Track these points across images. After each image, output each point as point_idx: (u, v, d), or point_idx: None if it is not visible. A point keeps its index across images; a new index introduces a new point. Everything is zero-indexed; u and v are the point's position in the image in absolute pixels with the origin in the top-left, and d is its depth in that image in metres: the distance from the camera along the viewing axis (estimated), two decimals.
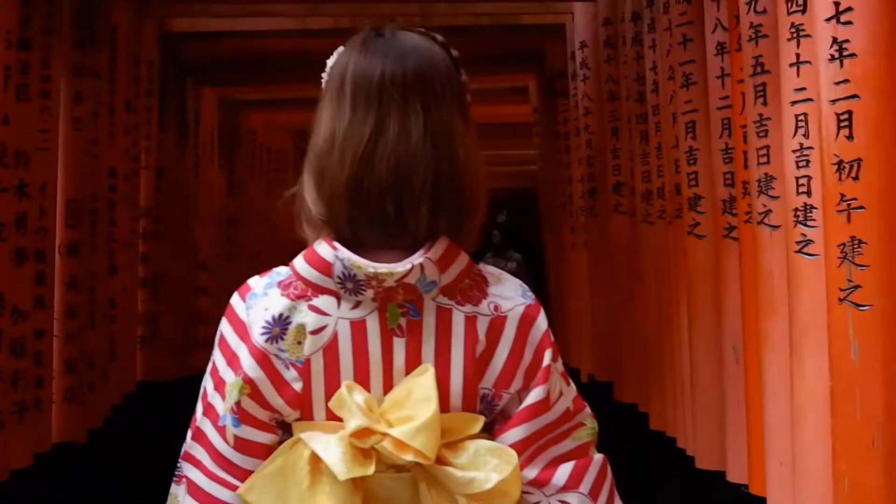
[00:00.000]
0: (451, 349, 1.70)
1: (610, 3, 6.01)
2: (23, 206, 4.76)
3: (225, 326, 1.74)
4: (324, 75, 1.80)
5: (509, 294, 1.76)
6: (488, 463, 1.68)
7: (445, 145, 1.70)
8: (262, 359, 1.67)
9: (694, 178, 4.49)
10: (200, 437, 1.72)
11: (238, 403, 1.67)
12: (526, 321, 1.74)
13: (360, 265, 1.66)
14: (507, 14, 7.29)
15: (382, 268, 1.66)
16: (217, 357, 1.73)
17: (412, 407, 1.66)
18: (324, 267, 1.68)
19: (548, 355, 1.74)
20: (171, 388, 7.45)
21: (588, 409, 1.82)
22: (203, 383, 1.74)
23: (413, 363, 1.69)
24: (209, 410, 1.71)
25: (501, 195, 20.72)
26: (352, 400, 1.65)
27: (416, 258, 1.66)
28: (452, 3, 7.00)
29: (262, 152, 10.81)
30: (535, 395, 1.73)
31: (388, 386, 1.69)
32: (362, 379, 1.68)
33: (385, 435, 1.64)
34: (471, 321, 1.71)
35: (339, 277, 1.67)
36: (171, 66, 7.67)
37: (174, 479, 1.76)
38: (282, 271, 1.74)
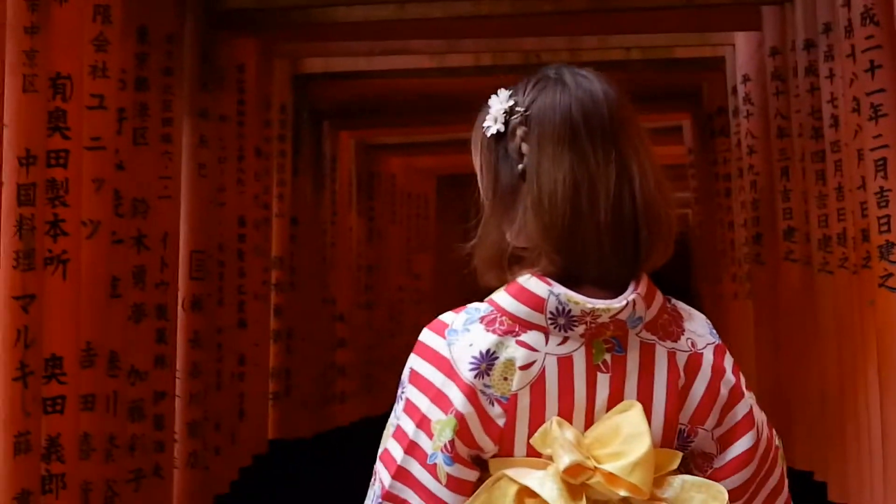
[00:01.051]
0: (654, 385, 1.72)
1: (777, 30, 5.47)
2: (141, 259, 4.45)
3: (419, 364, 1.70)
4: (495, 115, 1.72)
5: (702, 331, 1.76)
6: (694, 498, 1.71)
7: (650, 183, 1.68)
8: (472, 395, 1.66)
9: (886, 223, 3.92)
10: (407, 477, 1.68)
11: (452, 442, 1.66)
12: (719, 358, 1.74)
13: (577, 301, 1.66)
14: (660, 47, 6.77)
15: (600, 304, 1.66)
16: (413, 395, 1.69)
17: (624, 443, 1.66)
18: (535, 303, 1.68)
19: (747, 394, 1.76)
20: (307, 446, 7.09)
21: (764, 417, 1.80)
22: (395, 423, 1.69)
23: (615, 399, 1.70)
24: (414, 450, 1.67)
25: None
26: (563, 436, 1.65)
27: (630, 294, 1.67)
28: (601, 35, 6.50)
29: (401, 197, 10.41)
30: (746, 442, 1.75)
31: (588, 422, 1.69)
32: (566, 414, 1.69)
33: (596, 470, 1.65)
34: (672, 357, 1.72)
35: (551, 313, 1.67)
36: (305, 108, 7.32)
37: None
38: (480, 307, 1.72)
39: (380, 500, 1.70)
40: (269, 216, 6.39)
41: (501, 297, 1.71)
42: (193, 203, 5.06)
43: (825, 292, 4.82)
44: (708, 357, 1.73)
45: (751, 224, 6.07)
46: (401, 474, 1.68)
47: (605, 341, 1.69)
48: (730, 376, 1.74)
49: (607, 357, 1.69)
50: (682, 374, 1.71)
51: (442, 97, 7.48)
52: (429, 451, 1.67)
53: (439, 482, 1.67)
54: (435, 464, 1.67)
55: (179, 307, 4.93)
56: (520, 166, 1.72)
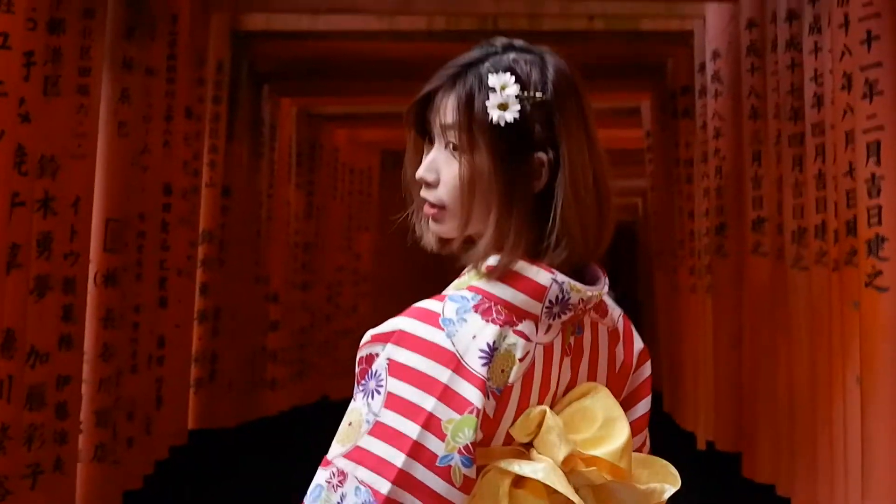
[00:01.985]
0: (599, 363, 1.76)
1: (755, 1, 5.05)
2: (47, 225, 3.95)
3: (409, 357, 1.61)
4: (505, 101, 1.66)
5: (611, 302, 1.80)
6: (658, 474, 1.76)
7: (605, 168, 1.72)
8: (484, 390, 1.61)
9: (877, 215, 3.52)
10: (411, 483, 1.58)
11: (473, 443, 1.59)
12: (628, 324, 1.81)
13: (578, 289, 1.67)
14: (625, 16, 6.34)
15: (593, 290, 1.69)
16: (406, 391, 1.60)
17: (603, 427, 1.69)
18: (536, 291, 1.66)
19: (648, 363, 1.83)
20: (230, 436, 6.62)
21: None
22: (370, 420, 1.60)
23: (572, 382, 1.72)
24: (419, 452, 1.57)
25: None
26: (557, 425, 1.67)
27: (605, 280, 1.72)
28: (563, 1, 6.06)
29: (344, 171, 9.90)
30: (644, 406, 1.83)
31: (552, 406, 1.69)
32: (542, 401, 1.69)
33: (593, 459, 1.68)
34: (609, 333, 1.78)
35: (549, 302, 1.67)
36: (244, 69, 6.83)
37: None
38: (466, 295, 1.65)
39: None
40: (198, 185, 5.89)
41: (494, 285, 1.67)
42: (111, 165, 4.57)
43: (798, 290, 4.43)
44: (622, 326, 1.79)
45: (714, 213, 5.68)
46: (403, 479, 1.58)
47: (573, 324, 1.71)
48: (639, 341, 1.82)
49: (571, 340, 1.72)
50: (618, 349, 1.78)
51: (392, 64, 7.02)
52: (440, 452, 1.59)
53: (453, 485, 1.60)
54: (450, 466, 1.59)
55: (91, 281, 4.43)
56: (541, 154, 1.68)
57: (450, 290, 1.70)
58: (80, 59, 4.16)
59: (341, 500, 1.60)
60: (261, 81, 7.37)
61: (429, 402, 1.59)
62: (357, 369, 1.69)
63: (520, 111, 1.67)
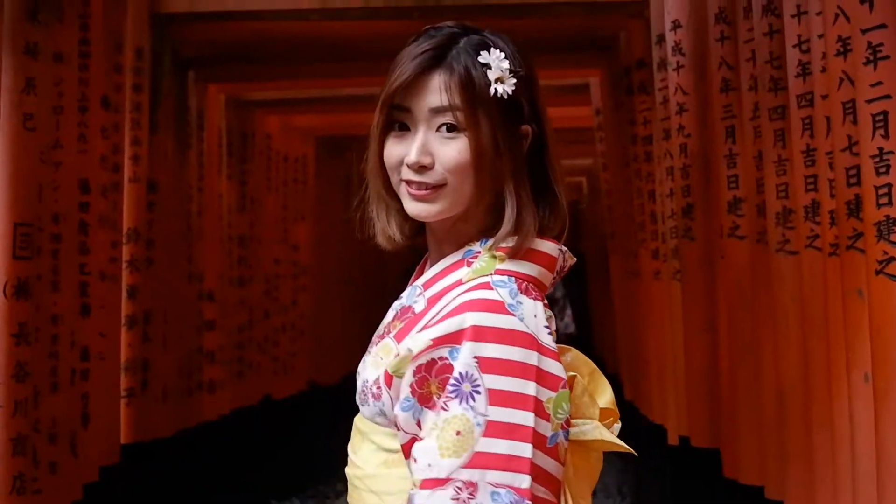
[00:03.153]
0: None
1: None
2: None
3: (496, 349, 1.62)
4: (501, 76, 1.75)
5: None
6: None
7: None
8: (560, 361, 1.67)
9: (886, 194, 3.12)
10: (537, 471, 1.58)
11: (570, 415, 1.66)
12: None
13: (570, 255, 1.82)
14: None
15: (573, 258, 1.84)
16: (505, 383, 1.60)
17: (592, 381, 1.80)
18: (550, 263, 1.77)
19: None
20: (166, 447, 6.14)
21: None
22: (480, 420, 1.57)
23: None
24: (538, 440, 1.60)
25: None
26: (586, 387, 1.75)
27: None
28: None
29: (277, 160, 9.38)
30: None
31: None
32: None
33: (606, 411, 1.77)
34: None
35: (556, 272, 1.79)
36: (167, 54, 6.32)
37: None
38: (503, 278, 1.71)
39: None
40: (119, 180, 5.37)
41: (518, 264, 1.74)
42: (17, 163, 4.05)
43: (785, 276, 4.03)
44: None
45: (679, 194, 5.27)
46: (534, 469, 1.58)
47: None
48: None
49: None
50: None
51: (325, 44, 6.56)
52: (548, 433, 1.61)
53: (560, 462, 1.62)
54: (557, 444, 1.62)
55: (0, 294, 3.95)
56: (526, 127, 1.78)
57: (480, 278, 1.72)
58: None
59: None
60: (185, 67, 6.87)
61: (530, 387, 1.61)
62: (412, 379, 1.64)
63: (514, 84, 1.74)
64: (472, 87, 1.73)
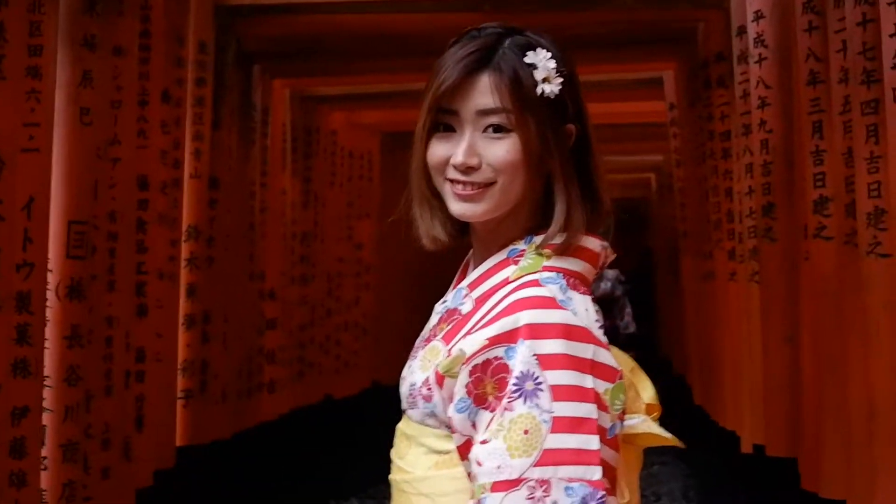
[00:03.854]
0: None
1: None
2: None
3: (554, 345, 1.63)
4: (547, 75, 1.77)
5: None
6: None
7: None
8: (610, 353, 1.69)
9: None
10: (605, 465, 1.59)
11: (625, 406, 1.68)
12: None
13: (611, 250, 1.83)
14: None
15: (613, 253, 1.85)
16: (566, 377, 1.61)
17: (633, 376, 1.83)
18: (594, 259, 1.79)
19: None
20: (224, 449, 6.01)
21: None
22: (546, 418, 1.57)
23: None
24: (601, 430, 1.60)
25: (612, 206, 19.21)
26: (631, 382, 1.79)
27: None
28: None
29: (342, 156, 9.22)
30: None
31: None
32: None
33: (650, 406, 1.80)
34: None
35: (599, 266, 1.81)
36: (231, 48, 6.17)
37: None
38: (552, 275, 1.73)
39: (601, 499, 1.56)
40: (179, 177, 5.24)
41: (564, 260, 1.76)
42: (73, 159, 3.91)
43: (876, 281, 3.78)
44: None
45: (759, 192, 5.03)
46: (604, 464, 1.58)
47: None
48: None
49: None
50: None
51: (393, 38, 6.37)
52: (607, 424, 1.62)
53: (617, 452, 1.63)
54: (616, 435, 1.64)
55: (53, 294, 3.81)
56: (571, 126, 1.80)
57: (528, 276, 1.72)
58: (29, 36, 3.52)
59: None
60: (250, 61, 6.72)
61: (588, 380, 1.61)
62: (468, 379, 1.65)
63: (561, 84, 1.76)
64: (521, 88, 1.75)
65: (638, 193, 15.57)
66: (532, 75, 1.75)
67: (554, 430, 1.58)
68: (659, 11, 6.37)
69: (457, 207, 1.80)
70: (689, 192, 7.18)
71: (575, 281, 1.74)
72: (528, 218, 1.82)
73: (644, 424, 1.76)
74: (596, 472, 1.57)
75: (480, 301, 1.78)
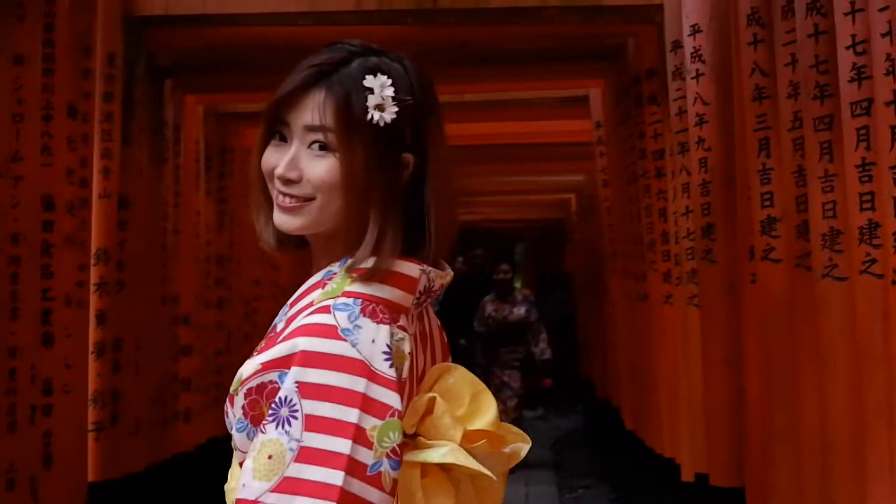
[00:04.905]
0: (436, 344, 1.87)
1: None
2: None
3: (320, 375, 1.62)
4: (382, 101, 1.74)
5: None
6: (511, 437, 1.84)
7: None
8: (398, 390, 1.66)
9: None
10: (351, 499, 1.58)
11: (399, 444, 1.64)
12: None
13: (441, 275, 1.79)
14: None
15: (448, 276, 1.81)
16: (326, 409, 1.60)
17: (473, 402, 1.78)
18: (409, 285, 1.75)
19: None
20: (139, 482, 5.69)
21: None
22: (292, 447, 1.58)
23: (426, 365, 1.80)
24: (354, 467, 1.59)
25: (527, 226, 19.14)
26: (448, 408, 1.73)
27: (447, 265, 1.83)
28: None
29: None
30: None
31: (418, 392, 1.76)
32: (417, 391, 1.76)
33: (476, 433, 1.74)
34: (434, 316, 1.90)
35: (419, 292, 1.76)
36: (141, 61, 5.88)
37: None
38: (347, 301, 1.69)
39: None
40: (87, 196, 4.94)
41: (370, 286, 1.72)
42: None
43: (832, 305, 3.59)
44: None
45: (698, 212, 4.86)
46: (345, 498, 1.58)
47: (418, 311, 1.80)
48: None
49: (419, 326, 1.81)
50: (439, 330, 1.92)
51: (313, 51, 6.12)
52: (369, 461, 1.61)
53: (384, 491, 1.62)
54: (380, 472, 1.62)
55: None
56: (408, 155, 1.78)
57: (325, 300, 1.70)
58: None
59: None
60: (161, 76, 6.43)
61: (353, 415, 1.59)
62: (244, 401, 1.67)
63: (396, 113, 1.73)
64: (348, 111, 1.73)
65: (557, 214, 15.48)
66: (366, 99, 1.73)
67: (297, 460, 1.58)
68: (587, 26, 6.19)
69: (276, 217, 1.80)
70: (618, 213, 7.01)
71: (376, 308, 1.69)
72: (354, 240, 1.77)
73: (451, 454, 1.71)
74: None
75: (289, 321, 1.76)
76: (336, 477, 1.58)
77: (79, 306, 4.83)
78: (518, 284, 14.46)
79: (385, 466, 1.62)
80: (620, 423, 7.52)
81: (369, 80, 1.73)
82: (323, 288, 1.76)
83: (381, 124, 1.72)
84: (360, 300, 1.69)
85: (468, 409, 1.76)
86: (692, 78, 4.89)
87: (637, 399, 6.74)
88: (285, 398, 1.61)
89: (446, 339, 1.97)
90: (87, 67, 4.92)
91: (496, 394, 10.07)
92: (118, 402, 5.48)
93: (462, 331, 10.09)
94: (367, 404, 1.62)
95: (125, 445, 5.55)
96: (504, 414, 9.84)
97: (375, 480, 1.61)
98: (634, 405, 6.87)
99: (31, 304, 4.13)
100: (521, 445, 1.84)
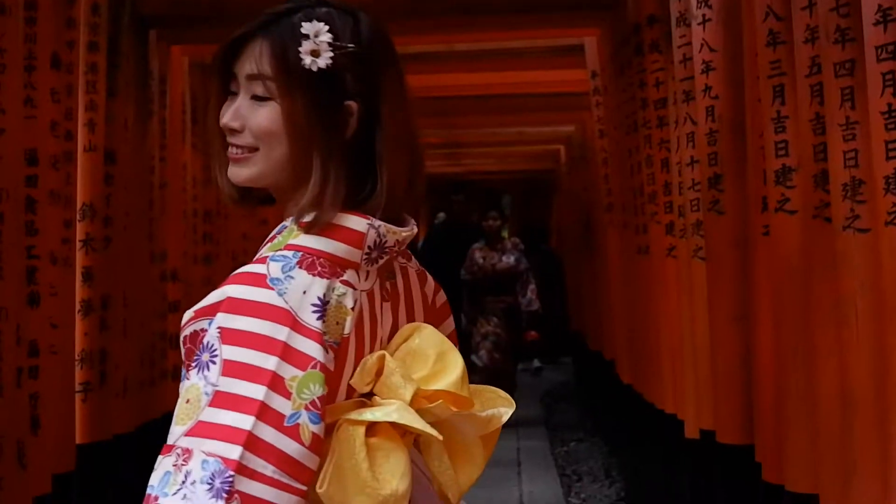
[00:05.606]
0: (415, 305, 1.87)
1: None
2: None
3: (241, 321, 1.62)
4: (318, 48, 1.74)
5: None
6: (490, 401, 1.87)
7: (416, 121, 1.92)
8: (323, 343, 1.64)
9: None
10: (260, 446, 1.56)
11: (322, 397, 1.62)
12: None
13: (394, 230, 1.76)
14: None
15: (406, 231, 1.79)
16: (244, 355, 1.60)
17: (438, 362, 1.77)
18: (355, 239, 1.72)
19: (441, 290, 1.99)
20: (130, 442, 5.57)
21: None
22: (208, 391, 1.58)
23: (395, 325, 1.81)
24: (266, 414, 1.57)
25: (515, 178, 18.98)
26: (397, 367, 1.73)
27: (412, 222, 1.82)
28: None
29: None
30: (451, 324, 2.02)
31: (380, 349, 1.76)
32: (374, 349, 1.75)
33: (438, 393, 1.74)
34: (419, 275, 1.92)
35: (369, 248, 1.73)
36: (126, 11, 5.71)
37: (213, 494, 1.52)
38: (287, 254, 1.69)
39: (228, 478, 1.53)
40: (72, 150, 4.78)
41: (313, 239, 1.72)
42: None
43: (853, 258, 3.44)
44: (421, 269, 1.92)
45: (705, 162, 4.70)
46: (253, 443, 1.56)
47: (386, 270, 1.80)
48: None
49: (388, 285, 1.81)
50: (426, 287, 1.92)
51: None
52: (287, 412, 1.59)
53: (302, 444, 1.59)
54: (297, 424, 1.59)
55: None
56: (351, 103, 1.76)
57: (268, 252, 1.71)
58: None
59: (186, 477, 1.53)
60: (147, 26, 6.25)
61: (270, 362, 1.59)
62: (182, 350, 1.68)
63: (332, 59, 1.73)
64: (284, 57, 1.73)
65: (545, 165, 15.31)
66: (301, 45, 1.73)
67: (211, 405, 1.57)
68: None
69: (229, 170, 1.81)
70: (616, 164, 6.86)
71: (315, 261, 1.69)
72: (319, 191, 1.76)
73: (395, 413, 1.70)
74: (234, 452, 1.54)
75: None
76: (246, 422, 1.56)
77: (65, 264, 4.68)
78: (505, 234, 14.36)
79: (304, 418, 1.60)
80: (615, 377, 7.42)
81: (305, 27, 1.73)
82: (272, 241, 1.79)
83: (315, 69, 1.72)
84: (301, 253, 1.69)
85: (432, 368, 1.76)
86: (698, 24, 4.72)
87: (635, 353, 6.62)
88: (207, 343, 1.62)
89: (444, 299, 1.98)
90: (71, 16, 4.74)
91: (481, 343, 9.99)
92: (106, 362, 5.36)
93: (451, 279, 9.95)
94: (288, 353, 1.61)
95: (114, 406, 5.44)
96: (490, 364, 9.76)
97: (292, 432, 1.59)
98: (632, 359, 6.75)
99: (16, 263, 3.96)
100: (503, 410, 1.85)
